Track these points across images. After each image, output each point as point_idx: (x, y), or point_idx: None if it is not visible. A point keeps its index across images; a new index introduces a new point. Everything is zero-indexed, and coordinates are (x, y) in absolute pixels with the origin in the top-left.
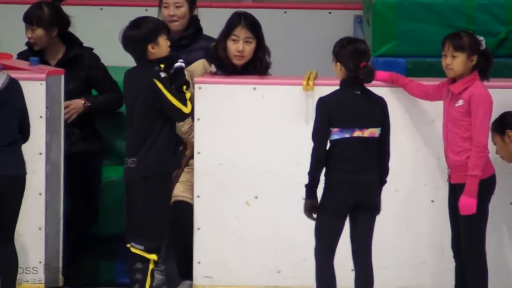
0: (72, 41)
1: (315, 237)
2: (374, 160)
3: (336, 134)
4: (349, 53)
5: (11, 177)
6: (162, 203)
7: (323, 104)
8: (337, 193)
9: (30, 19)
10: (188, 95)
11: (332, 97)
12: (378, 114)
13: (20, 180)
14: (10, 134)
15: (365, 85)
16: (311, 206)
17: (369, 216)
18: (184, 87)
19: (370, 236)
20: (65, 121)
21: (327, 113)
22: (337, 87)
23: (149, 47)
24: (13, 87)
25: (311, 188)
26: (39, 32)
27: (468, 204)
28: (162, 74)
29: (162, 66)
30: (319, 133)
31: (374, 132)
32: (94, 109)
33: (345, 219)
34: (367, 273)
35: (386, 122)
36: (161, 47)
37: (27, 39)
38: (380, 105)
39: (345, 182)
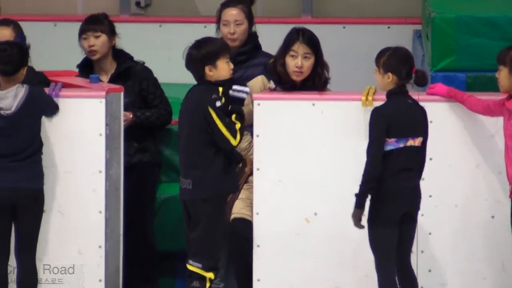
0: (122, 56)
1: (374, 251)
2: (420, 167)
3: (391, 145)
4: (400, 60)
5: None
6: (220, 223)
7: (380, 114)
8: (392, 202)
9: (93, 27)
10: (238, 125)
11: (388, 107)
12: (423, 122)
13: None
14: (28, 147)
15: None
16: (360, 215)
17: (414, 224)
18: (234, 116)
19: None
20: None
21: (386, 123)
22: None
23: (207, 69)
24: (34, 98)
25: (362, 198)
26: (103, 38)
27: None
28: (218, 103)
29: (220, 89)
30: (376, 145)
31: (421, 140)
32: (139, 124)
33: (398, 228)
34: (415, 282)
35: (427, 131)
36: (220, 70)
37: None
38: (423, 113)
39: (399, 191)
